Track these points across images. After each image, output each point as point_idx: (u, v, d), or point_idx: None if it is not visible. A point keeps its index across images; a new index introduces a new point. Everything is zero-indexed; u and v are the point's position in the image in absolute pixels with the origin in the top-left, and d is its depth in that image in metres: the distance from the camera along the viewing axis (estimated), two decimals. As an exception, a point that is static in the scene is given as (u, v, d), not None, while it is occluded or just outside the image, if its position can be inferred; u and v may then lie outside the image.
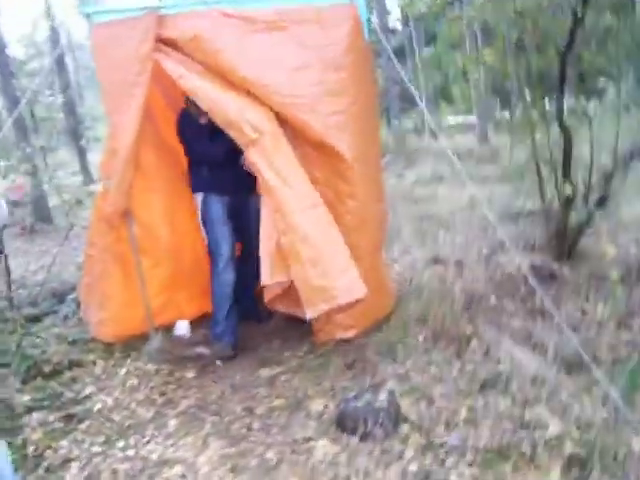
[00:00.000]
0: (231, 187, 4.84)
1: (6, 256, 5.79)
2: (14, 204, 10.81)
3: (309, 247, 4.09)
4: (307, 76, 4.37)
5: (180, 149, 5.03)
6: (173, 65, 4.33)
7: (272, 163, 4.19)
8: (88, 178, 17.69)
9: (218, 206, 4.85)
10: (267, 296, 4.51)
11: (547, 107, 5.87)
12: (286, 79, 4.35)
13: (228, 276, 4.81)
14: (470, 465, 3.08)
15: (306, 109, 4.34)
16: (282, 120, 4.36)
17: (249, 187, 4.65)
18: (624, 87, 6.12)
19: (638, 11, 6.54)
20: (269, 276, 4.26)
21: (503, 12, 5.32)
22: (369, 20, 4.75)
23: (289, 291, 4.42)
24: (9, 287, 5.78)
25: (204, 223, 4.88)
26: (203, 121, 4.75)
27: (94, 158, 19.52)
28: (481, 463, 3.08)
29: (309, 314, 4.07)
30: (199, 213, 4.89)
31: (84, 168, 18.59)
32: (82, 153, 19.13)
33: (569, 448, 3.09)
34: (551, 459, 3.03)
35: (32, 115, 13.31)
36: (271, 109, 4.32)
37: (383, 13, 15.33)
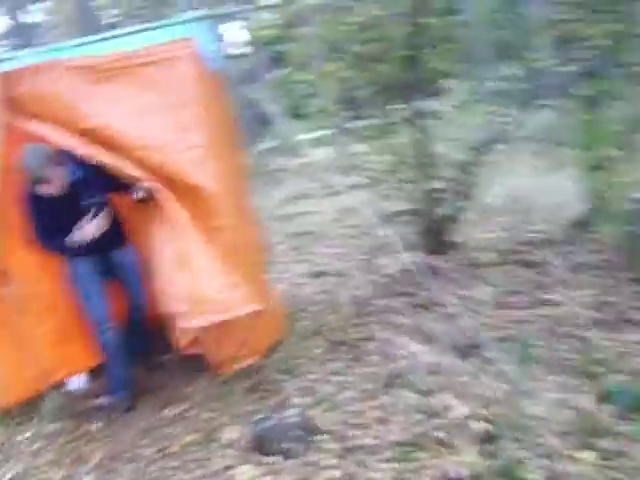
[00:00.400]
0: (95, 245, 4.37)
1: None
2: None
3: (203, 260, 4.12)
4: (155, 117, 4.29)
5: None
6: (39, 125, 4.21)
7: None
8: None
9: (84, 265, 4.51)
10: (182, 342, 4.46)
11: (401, 112, 6.10)
12: (135, 123, 4.26)
13: (107, 337, 4.53)
14: (389, 461, 3.17)
15: (159, 150, 4.27)
16: (141, 166, 4.31)
17: (117, 240, 4.55)
18: (469, 84, 6.48)
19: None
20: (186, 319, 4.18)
21: (344, 27, 5.52)
22: (214, 50, 4.74)
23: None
24: None
25: (73, 284, 4.58)
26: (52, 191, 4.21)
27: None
28: (399, 457, 3.17)
29: (198, 323, 4.06)
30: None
31: None
32: None
33: (478, 426, 3.24)
34: (464, 440, 3.17)
35: None
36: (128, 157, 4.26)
37: (228, 43, 15.47)
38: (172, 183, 4.37)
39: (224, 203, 4.42)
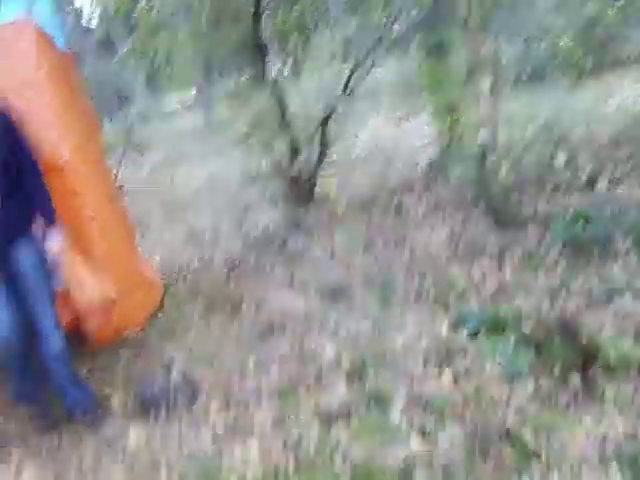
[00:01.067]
0: None
1: None
2: None
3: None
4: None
5: None
6: None
7: None
8: None
9: None
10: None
11: (256, 73, 6.24)
12: None
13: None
14: (270, 400, 3.40)
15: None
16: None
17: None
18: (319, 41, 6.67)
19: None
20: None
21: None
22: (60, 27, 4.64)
23: None
24: None
25: None
26: None
27: None
28: (279, 397, 3.41)
29: None
30: None
31: None
32: None
33: (347, 364, 3.52)
34: (335, 376, 3.44)
35: None
36: None
37: (76, 16, 14.98)
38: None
39: (82, 177, 4.39)
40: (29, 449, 3.67)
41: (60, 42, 4.47)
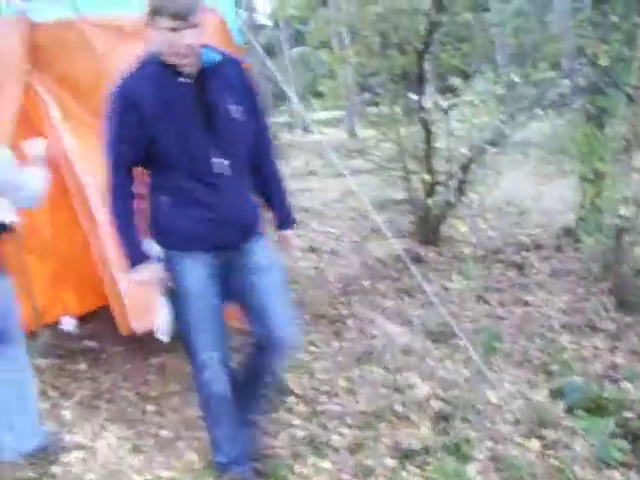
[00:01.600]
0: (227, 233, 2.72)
1: None
2: None
3: None
4: None
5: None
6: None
7: None
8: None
9: (200, 272, 2.75)
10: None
11: (411, 103, 6.32)
12: None
13: (217, 387, 2.91)
14: (350, 427, 3.42)
15: None
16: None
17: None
18: (479, 84, 6.67)
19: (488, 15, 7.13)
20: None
21: (366, 15, 5.70)
22: (238, 22, 4.95)
23: None
24: None
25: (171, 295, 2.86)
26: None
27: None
28: (360, 425, 3.42)
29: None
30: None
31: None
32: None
33: (436, 405, 3.50)
34: (421, 416, 3.42)
35: None
36: None
37: (251, 11, 15.63)
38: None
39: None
40: (114, 413, 3.87)
41: (235, 35, 4.74)
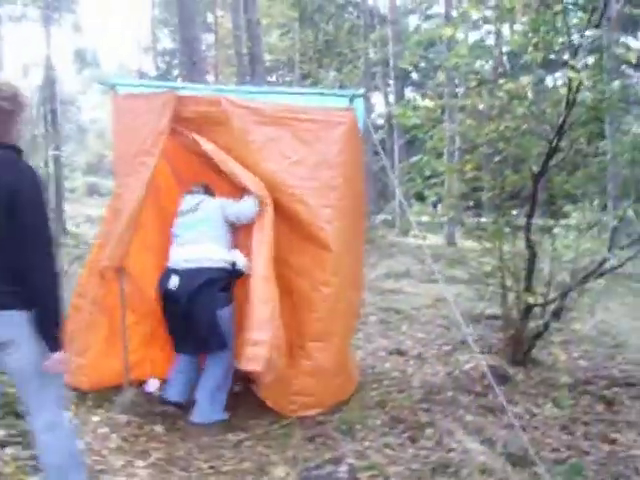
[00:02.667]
0: None
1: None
2: None
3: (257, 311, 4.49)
4: (302, 170, 4.83)
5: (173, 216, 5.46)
6: (208, 145, 4.77)
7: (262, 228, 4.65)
8: (60, 227, 17.59)
9: None
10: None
11: (516, 221, 6.37)
12: (283, 169, 4.80)
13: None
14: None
15: (299, 199, 4.78)
16: (277, 205, 4.77)
17: None
18: (588, 212, 6.65)
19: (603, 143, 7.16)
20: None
21: (487, 132, 5.84)
22: (365, 120, 5.28)
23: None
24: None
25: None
26: None
27: (68, 208, 19.83)
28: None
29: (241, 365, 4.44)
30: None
31: (59, 218, 18.59)
32: (59, 202, 19.40)
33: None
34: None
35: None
36: (270, 194, 4.76)
37: (369, 111, 16.18)
38: (298, 232, 4.83)
39: (338, 262, 4.83)
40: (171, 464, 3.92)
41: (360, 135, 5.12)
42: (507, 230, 6.32)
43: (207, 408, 4.84)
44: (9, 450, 4.17)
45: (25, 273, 2.92)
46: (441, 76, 5.94)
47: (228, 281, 4.90)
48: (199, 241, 4.84)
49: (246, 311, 4.56)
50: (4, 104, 3.00)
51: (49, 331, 2.99)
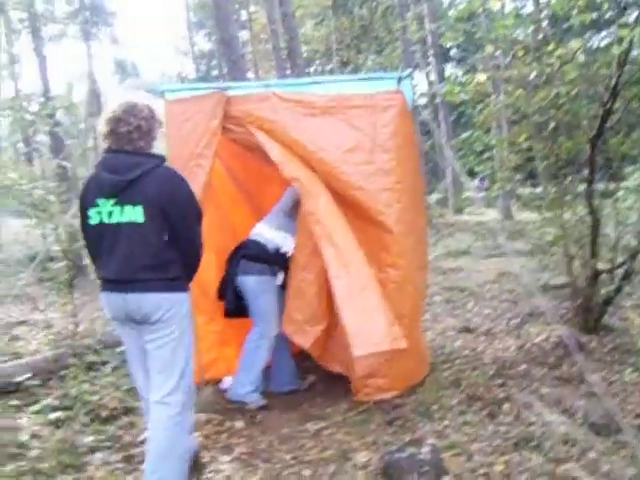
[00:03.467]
0: None
1: (75, 306, 6.23)
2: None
3: (364, 298, 4.48)
4: (357, 156, 4.83)
5: (230, 213, 5.54)
6: (261, 136, 4.82)
7: (331, 216, 4.66)
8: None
9: None
10: (315, 353, 5.05)
11: (574, 188, 6.27)
12: (338, 158, 4.81)
13: (269, 347, 5.16)
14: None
15: (356, 186, 4.79)
16: (335, 193, 4.79)
17: None
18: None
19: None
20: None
21: (537, 100, 5.74)
22: (412, 100, 5.27)
23: (342, 352, 4.86)
24: (74, 335, 6.21)
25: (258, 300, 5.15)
26: None
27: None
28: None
29: (357, 353, 4.35)
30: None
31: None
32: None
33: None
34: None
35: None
36: (327, 184, 4.77)
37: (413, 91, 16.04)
38: (360, 218, 4.84)
39: (402, 244, 4.84)
40: (271, 473, 3.98)
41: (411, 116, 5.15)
42: (567, 198, 6.21)
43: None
44: (99, 455, 4.30)
45: (188, 262, 3.65)
46: (489, 48, 5.80)
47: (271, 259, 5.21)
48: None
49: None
50: (142, 123, 3.52)
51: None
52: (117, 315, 3.62)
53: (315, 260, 4.85)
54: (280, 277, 5.25)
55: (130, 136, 3.49)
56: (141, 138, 3.53)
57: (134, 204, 3.41)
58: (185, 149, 4.79)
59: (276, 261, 5.20)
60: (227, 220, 5.75)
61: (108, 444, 4.46)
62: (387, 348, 4.39)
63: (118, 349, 6.23)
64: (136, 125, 3.50)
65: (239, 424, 4.79)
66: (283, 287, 5.23)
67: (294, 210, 5.13)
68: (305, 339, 4.99)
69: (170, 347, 3.56)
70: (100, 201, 3.45)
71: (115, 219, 3.43)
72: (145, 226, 3.43)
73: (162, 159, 3.60)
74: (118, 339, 6.53)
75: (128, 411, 5.00)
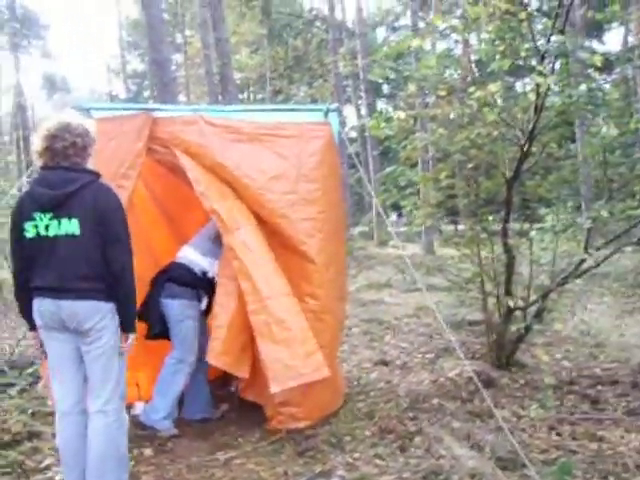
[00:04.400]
0: None
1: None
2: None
3: (283, 329, 4.48)
4: (282, 184, 4.87)
5: (151, 236, 5.49)
6: (185, 160, 4.79)
7: (249, 251, 4.62)
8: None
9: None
10: (240, 386, 5.19)
11: (492, 226, 6.44)
12: (263, 185, 4.83)
13: (187, 373, 5.09)
14: None
15: (279, 214, 4.82)
16: (259, 221, 4.80)
17: None
18: (562, 214, 6.74)
19: (574, 146, 7.25)
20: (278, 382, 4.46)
21: (459, 140, 5.90)
22: (339, 133, 5.34)
23: (258, 380, 4.85)
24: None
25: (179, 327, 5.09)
26: None
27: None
28: None
29: (274, 389, 4.38)
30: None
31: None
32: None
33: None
34: None
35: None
36: (252, 210, 4.79)
37: (343, 124, 16.29)
38: (283, 246, 4.86)
39: (322, 274, 4.88)
40: None
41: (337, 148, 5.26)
42: (484, 236, 6.38)
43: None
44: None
45: (114, 272, 3.60)
46: (411, 87, 5.96)
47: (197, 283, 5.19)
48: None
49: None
50: (78, 140, 3.64)
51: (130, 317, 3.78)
52: (48, 322, 3.66)
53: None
54: (204, 302, 5.21)
55: (66, 152, 3.60)
56: (77, 154, 3.64)
57: (70, 217, 3.52)
58: (109, 169, 4.71)
59: (202, 285, 5.17)
60: (147, 243, 5.67)
61: (8, 470, 4.30)
62: (307, 380, 4.41)
63: (27, 370, 6.08)
64: (71, 142, 3.61)
65: (148, 452, 4.69)
66: (206, 312, 5.19)
67: (219, 236, 5.11)
68: (243, 369, 4.88)
69: (106, 356, 3.68)
70: (37, 215, 3.55)
71: (52, 232, 3.54)
72: (81, 238, 3.54)
73: (97, 174, 3.72)
74: (28, 360, 6.43)
75: (32, 436, 4.84)
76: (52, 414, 4.39)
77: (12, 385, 5.82)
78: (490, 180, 6.26)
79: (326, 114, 5.10)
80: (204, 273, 5.18)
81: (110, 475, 3.72)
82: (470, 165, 6.20)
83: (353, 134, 31.86)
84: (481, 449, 4.43)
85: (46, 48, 35.38)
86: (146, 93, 35.60)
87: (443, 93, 6.08)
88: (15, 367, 6.26)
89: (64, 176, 3.58)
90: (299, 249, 4.86)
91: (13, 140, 21.06)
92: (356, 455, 4.47)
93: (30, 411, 5.20)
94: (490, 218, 6.55)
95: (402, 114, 5.88)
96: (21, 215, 3.63)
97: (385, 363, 6.81)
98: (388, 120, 5.94)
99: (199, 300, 5.16)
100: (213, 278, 5.12)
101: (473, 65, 7.39)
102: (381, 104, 35.17)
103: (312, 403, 4.95)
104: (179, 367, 5.01)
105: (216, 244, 5.15)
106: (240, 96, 28.17)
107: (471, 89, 5.61)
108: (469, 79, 6.71)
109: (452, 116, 6.05)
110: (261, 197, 4.81)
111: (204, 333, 5.11)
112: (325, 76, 27.10)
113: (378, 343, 7.72)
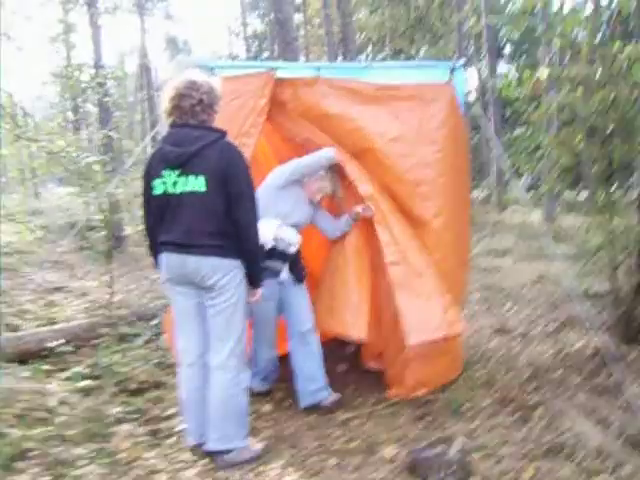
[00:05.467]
0: None
1: (112, 277, 6.27)
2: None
3: (423, 283, 4.50)
4: (399, 147, 4.75)
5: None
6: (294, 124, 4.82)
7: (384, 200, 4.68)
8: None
9: None
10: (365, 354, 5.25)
11: (629, 193, 6.11)
12: (381, 148, 4.73)
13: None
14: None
15: (394, 179, 4.73)
16: (378, 184, 4.75)
17: None
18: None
19: None
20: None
21: (593, 103, 5.58)
22: (465, 96, 5.15)
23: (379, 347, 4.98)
24: (109, 305, 6.25)
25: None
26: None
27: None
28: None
29: (412, 340, 4.39)
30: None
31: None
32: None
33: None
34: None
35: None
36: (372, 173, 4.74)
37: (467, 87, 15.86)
38: (400, 211, 4.78)
39: (440, 240, 4.77)
40: (296, 458, 3.95)
41: (461, 109, 5.05)
42: (617, 204, 6.05)
43: None
44: (125, 426, 4.31)
45: (239, 229, 3.67)
46: (557, 43, 5.64)
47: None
48: None
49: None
50: (204, 97, 3.72)
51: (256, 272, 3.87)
52: (173, 276, 3.80)
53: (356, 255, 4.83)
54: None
55: (193, 109, 3.69)
56: (204, 111, 3.73)
57: (197, 174, 3.60)
58: (232, 126, 4.74)
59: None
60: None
61: (135, 416, 4.48)
62: (443, 335, 4.37)
63: (152, 322, 6.29)
64: (199, 99, 3.69)
65: (267, 407, 4.76)
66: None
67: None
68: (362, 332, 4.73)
69: (228, 313, 3.75)
70: (165, 172, 3.66)
71: (179, 189, 3.63)
72: (207, 195, 3.62)
73: (223, 133, 3.76)
74: (153, 312, 6.64)
75: (157, 385, 5.02)
76: (175, 365, 4.52)
77: (138, 335, 6.03)
78: (626, 145, 5.89)
79: (452, 71, 4.93)
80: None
81: (230, 428, 3.84)
82: (606, 129, 5.84)
83: (473, 96, 31.02)
84: (608, 426, 4.24)
85: (169, 11, 36.05)
86: (266, 54, 35.78)
87: (583, 51, 5.73)
88: (142, 318, 6.47)
89: (191, 134, 3.66)
90: (414, 212, 4.77)
91: (137, 100, 21.65)
92: (475, 423, 4.38)
93: (155, 361, 5.36)
94: (623, 185, 6.20)
95: (544, 72, 5.57)
96: (150, 172, 3.75)
97: (505, 331, 6.62)
98: (522, 80, 5.66)
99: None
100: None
101: (605, 23, 6.95)
102: (502, 65, 34.02)
103: (432, 370, 4.86)
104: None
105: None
106: (359, 56, 27.87)
107: (617, 45, 5.25)
108: (607, 35, 6.30)
109: (596, 76, 5.67)
110: (378, 160, 4.75)
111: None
112: (447, 36, 26.37)
113: (498, 310, 7.52)
